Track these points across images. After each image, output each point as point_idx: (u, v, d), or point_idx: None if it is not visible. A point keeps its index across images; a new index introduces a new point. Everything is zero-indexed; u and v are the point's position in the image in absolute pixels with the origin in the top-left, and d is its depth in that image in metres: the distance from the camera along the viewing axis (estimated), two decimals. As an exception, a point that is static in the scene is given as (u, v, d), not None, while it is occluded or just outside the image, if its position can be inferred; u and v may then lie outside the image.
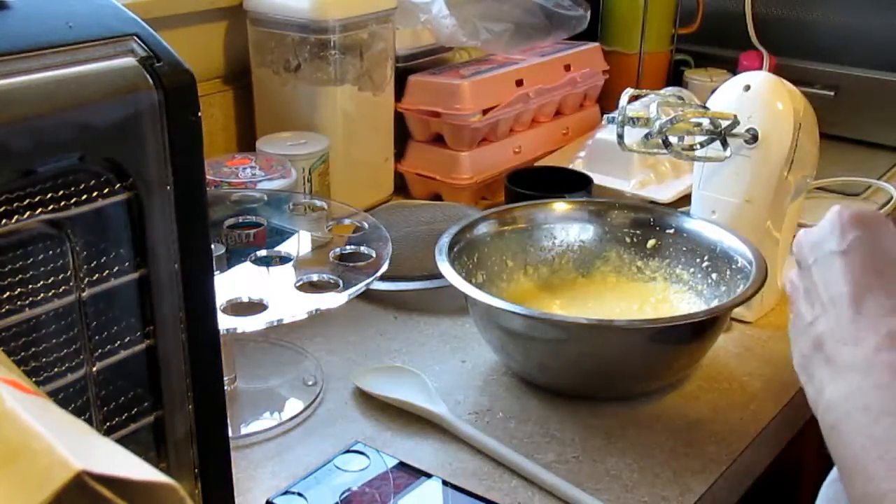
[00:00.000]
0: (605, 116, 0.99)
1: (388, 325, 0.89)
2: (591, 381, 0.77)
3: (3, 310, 0.39)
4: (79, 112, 0.39)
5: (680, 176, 1.13)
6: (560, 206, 0.92)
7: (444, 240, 0.83)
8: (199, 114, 0.44)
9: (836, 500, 0.55)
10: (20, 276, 0.40)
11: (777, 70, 1.31)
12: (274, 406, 0.77)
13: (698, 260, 0.86)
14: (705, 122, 0.85)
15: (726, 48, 1.43)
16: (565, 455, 0.71)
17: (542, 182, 1.02)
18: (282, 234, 0.86)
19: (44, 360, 0.41)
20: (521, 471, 0.68)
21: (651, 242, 0.89)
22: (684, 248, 0.87)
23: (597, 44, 1.35)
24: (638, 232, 0.90)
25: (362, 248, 0.80)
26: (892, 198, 1.14)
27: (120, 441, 0.44)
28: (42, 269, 0.41)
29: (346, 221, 0.86)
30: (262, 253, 0.81)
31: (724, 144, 0.85)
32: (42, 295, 0.40)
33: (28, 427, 0.27)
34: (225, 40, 1.12)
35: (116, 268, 0.43)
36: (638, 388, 0.78)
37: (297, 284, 0.74)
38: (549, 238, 0.91)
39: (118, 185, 0.41)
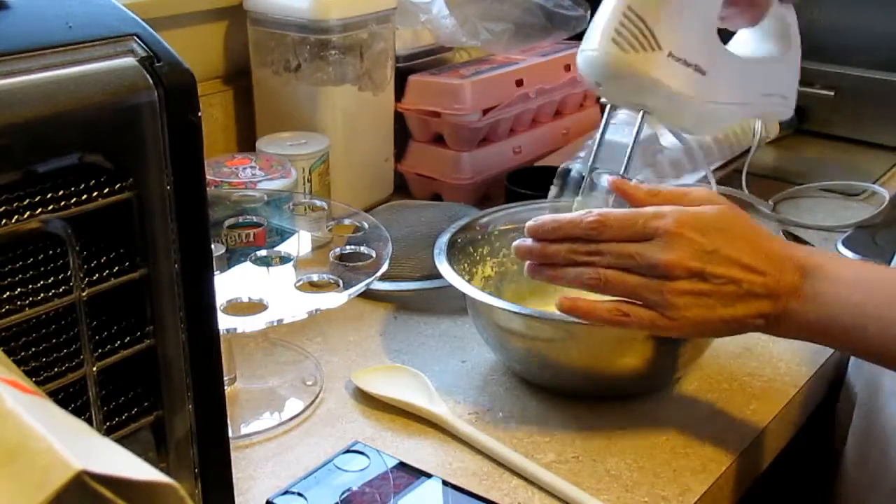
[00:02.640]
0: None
1: (388, 325, 0.89)
2: (591, 381, 0.77)
3: (3, 310, 0.39)
4: (79, 112, 0.39)
5: (680, 175, 1.13)
6: (560, 206, 0.92)
7: (444, 239, 0.83)
8: (199, 114, 0.44)
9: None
10: (20, 276, 0.40)
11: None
12: (274, 406, 0.77)
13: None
14: None
15: (726, 48, 1.43)
16: (565, 455, 0.71)
17: (542, 182, 1.02)
18: (282, 234, 0.86)
19: (44, 360, 0.41)
20: (521, 471, 0.68)
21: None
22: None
23: (597, 44, 1.34)
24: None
25: (362, 248, 0.80)
26: (885, 200, 1.14)
27: (120, 441, 0.44)
28: (42, 269, 0.41)
29: (346, 221, 0.86)
30: (262, 253, 0.81)
31: None
32: (42, 295, 0.40)
33: (28, 427, 0.27)
34: (225, 40, 1.12)
35: (116, 268, 0.43)
36: (638, 388, 0.78)
37: (297, 284, 0.74)
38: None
39: (118, 185, 0.41)
